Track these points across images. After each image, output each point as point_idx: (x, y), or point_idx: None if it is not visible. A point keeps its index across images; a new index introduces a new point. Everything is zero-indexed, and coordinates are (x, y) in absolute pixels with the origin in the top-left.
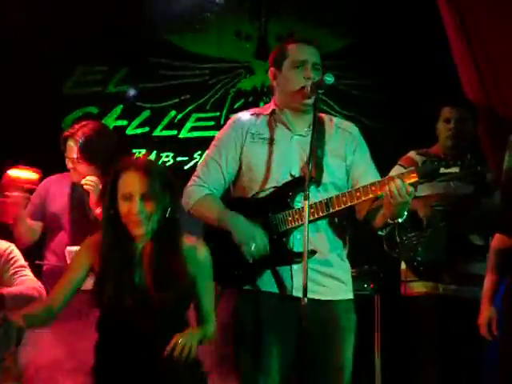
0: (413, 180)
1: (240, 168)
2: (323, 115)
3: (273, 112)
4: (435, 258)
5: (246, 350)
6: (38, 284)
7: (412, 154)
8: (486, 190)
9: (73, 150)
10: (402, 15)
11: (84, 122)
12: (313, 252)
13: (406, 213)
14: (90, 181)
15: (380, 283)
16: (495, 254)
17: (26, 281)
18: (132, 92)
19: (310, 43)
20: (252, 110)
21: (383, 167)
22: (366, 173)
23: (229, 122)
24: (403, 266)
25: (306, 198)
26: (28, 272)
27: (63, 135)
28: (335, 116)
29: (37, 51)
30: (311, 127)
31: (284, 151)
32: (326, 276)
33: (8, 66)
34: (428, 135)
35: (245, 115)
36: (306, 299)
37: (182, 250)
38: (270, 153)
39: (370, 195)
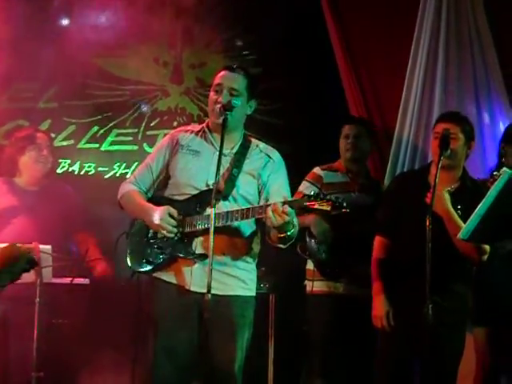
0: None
1: (168, 173)
2: (252, 139)
3: (202, 130)
4: (339, 261)
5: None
6: None
7: (316, 169)
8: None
9: None
10: (300, 48)
11: None
12: (203, 255)
13: (293, 228)
14: None
15: (275, 283)
16: (376, 263)
17: None
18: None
19: (233, 70)
20: (189, 127)
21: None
22: (276, 194)
23: (168, 134)
24: (310, 266)
25: (212, 206)
26: None
27: None
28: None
29: None
30: (236, 147)
31: (205, 164)
32: (226, 274)
33: None
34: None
35: (180, 130)
36: (209, 295)
37: None
38: (193, 163)
39: (256, 215)
